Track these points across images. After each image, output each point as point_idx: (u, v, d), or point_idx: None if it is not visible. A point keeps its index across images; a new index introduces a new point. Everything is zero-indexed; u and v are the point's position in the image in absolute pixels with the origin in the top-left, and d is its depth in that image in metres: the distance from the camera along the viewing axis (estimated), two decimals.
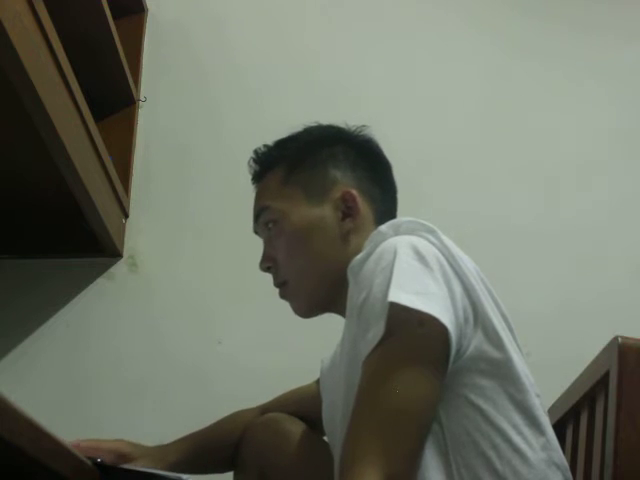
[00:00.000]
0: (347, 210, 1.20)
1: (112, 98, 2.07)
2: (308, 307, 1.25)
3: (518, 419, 1.01)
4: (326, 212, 1.20)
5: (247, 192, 2.11)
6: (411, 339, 0.95)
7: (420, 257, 0.99)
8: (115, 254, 2.03)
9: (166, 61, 2.25)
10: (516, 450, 0.99)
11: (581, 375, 1.30)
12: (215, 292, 2.02)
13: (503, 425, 1.00)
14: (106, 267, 2.04)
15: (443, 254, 1.02)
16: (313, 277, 1.20)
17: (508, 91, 2.26)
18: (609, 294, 2.05)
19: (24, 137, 1.58)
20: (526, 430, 1.02)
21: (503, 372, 1.01)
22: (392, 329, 0.94)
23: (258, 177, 1.29)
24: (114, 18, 1.90)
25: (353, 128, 1.27)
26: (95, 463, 1.07)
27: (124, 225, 2.06)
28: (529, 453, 1.00)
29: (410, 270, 0.97)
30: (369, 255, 1.04)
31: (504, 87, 2.27)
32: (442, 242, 1.03)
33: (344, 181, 1.22)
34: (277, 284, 1.26)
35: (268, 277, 2.01)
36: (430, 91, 2.25)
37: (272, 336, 1.97)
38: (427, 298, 0.95)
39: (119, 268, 2.04)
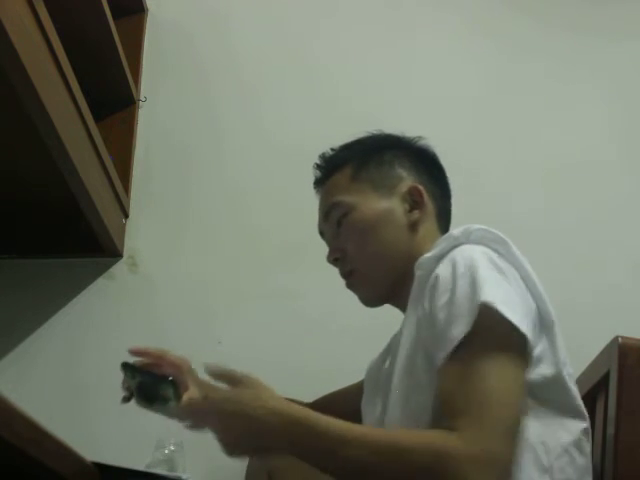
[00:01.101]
0: (414, 204, 1.28)
1: (112, 98, 2.07)
2: (376, 295, 1.29)
3: (568, 421, 1.07)
4: (394, 204, 1.27)
5: (246, 191, 2.12)
6: (498, 336, 1.00)
7: (498, 268, 1.06)
8: (115, 254, 2.03)
9: (166, 61, 2.24)
10: (566, 450, 1.05)
11: (581, 375, 1.30)
12: (215, 292, 2.02)
13: (554, 424, 1.05)
14: (106, 267, 2.03)
15: (515, 266, 1.09)
16: (382, 265, 1.26)
17: (507, 91, 2.26)
18: (609, 294, 2.05)
19: (24, 137, 1.58)
20: (576, 433, 1.07)
21: (559, 375, 1.07)
22: (479, 328, 0.99)
23: (325, 178, 1.35)
24: (114, 18, 1.90)
25: (411, 137, 1.37)
26: (95, 463, 1.07)
27: (124, 225, 2.06)
28: (576, 455, 1.05)
29: (492, 279, 1.04)
30: (441, 256, 1.11)
31: (503, 87, 2.27)
32: (512, 254, 1.10)
33: (410, 178, 1.30)
34: (345, 273, 1.30)
35: (268, 277, 2.02)
36: (429, 91, 2.25)
37: (272, 336, 1.97)
38: (510, 306, 1.01)
39: (119, 268, 2.04)
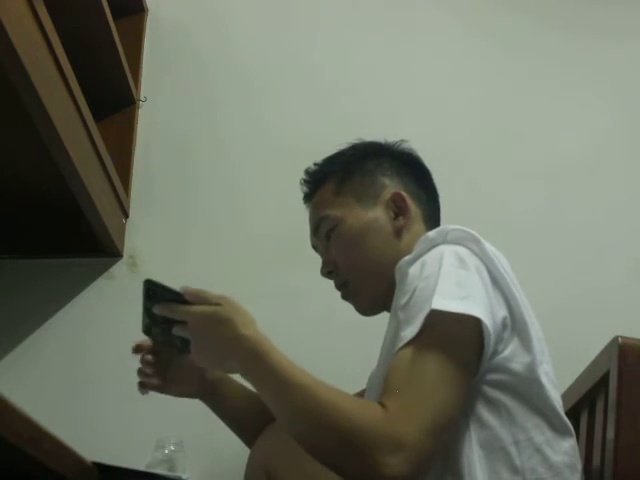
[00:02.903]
0: (398, 210, 1.30)
1: (112, 98, 2.07)
2: (371, 303, 1.31)
3: (541, 421, 1.07)
4: (378, 213, 1.29)
5: (247, 191, 2.12)
6: (445, 336, 1.01)
7: (463, 264, 1.07)
8: (115, 254, 2.03)
9: (166, 61, 2.24)
10: (538, 450, 1.04)
11: (581, 375, 1.30)
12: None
13: (527, 424, 1.05)
14: (106, 267, 2.03)
15: (484, 264, 1.09)
16: (373, 274, 1.27)
17: (507, 91, 2.26)
18: (609, 293, 2.04)
19: (24, 137, 1.58)
20: (549, 433, 1.07)
21: (532, 376, 1.07)
22: (428, 328, 1.00)
23: (311, 193, 1.37)
24: (114, 18, 1.90)
25: (393, 142, 1.38)
26: (95, 463, 1.07)
27: (124, 225, 2.06)
28: (550, 453, 1.05)
29: (453, 276, 1.05)
30: (416, 259, 1.12)
31: (503, 87, 2.27)
32: (484, 252, 1.10)
33: (392, 185, 1.32)
34: (338, 285, 1.33)
35: (268, 276, 2.02)
36: (429, 91, 2.25)
37: (273, 335, 1.96)
38: (468, 301, 1.02)
39: (119, 268, 2.04)
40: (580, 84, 2.28)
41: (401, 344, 1.01)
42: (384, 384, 1.01)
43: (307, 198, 1.39)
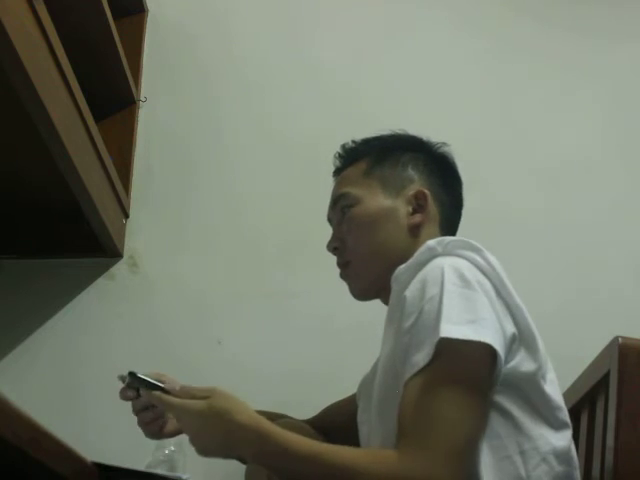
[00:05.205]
0: (417, 207, 1.30)
1: (112, 98, 2.07)
2: (367, 288, 1.31)
3: (546, 430, 1.06)
4: (398, 205, 1.30)
5: (247, 192, 2.12)
6: (456, 362, 1.00)
7: (465, 283, 1.05)
8: (115, 254, 2.02)
9: (166, 61, 2.24)
10: (544, 459, 1.04)
11: (581, 375, 1.30)
12: (215, 292, 2.02)
13: (533, 433, 1.05)
14: (106, 267, 2.03)
15: (488, 276, 1.09)
16: (377, 261, 1.28)
17: (506, 91, 2.26)
18: (609, 294, 2.05)
19: (24, 137, 1.58)
20: (555, 442, 1.07)
21: (536, 383, 1.07)
22: (440, 355, 0.99)
23: (342, 168, 1.38)
24: (114, 18, 1.90)
25: (434, 142, 1.39)
26: (95, 463, 1.07)
27: (124, 225, 2.06)
28: (555, 464, 1.05)
29: (458, 299, 1.04)
30: (414, 267, 1.12)
31: (502, 87, 2.27)
32: (488, 261, 1.10)
33: (419, 182, 1.32)
34: (341, 264, 1.33)
35: (268, 277, 2.02)
36: (429, 89, 2.25)
37: (272, 336, 1.97)
38: (477, 325, 1.01)
39: (119, 268, 2.04)
40: (580, 84, 2.28)
41: (413, 371, 1.01)
42: (398, 421, 1.00)
43: (337, 172, 1.40)
